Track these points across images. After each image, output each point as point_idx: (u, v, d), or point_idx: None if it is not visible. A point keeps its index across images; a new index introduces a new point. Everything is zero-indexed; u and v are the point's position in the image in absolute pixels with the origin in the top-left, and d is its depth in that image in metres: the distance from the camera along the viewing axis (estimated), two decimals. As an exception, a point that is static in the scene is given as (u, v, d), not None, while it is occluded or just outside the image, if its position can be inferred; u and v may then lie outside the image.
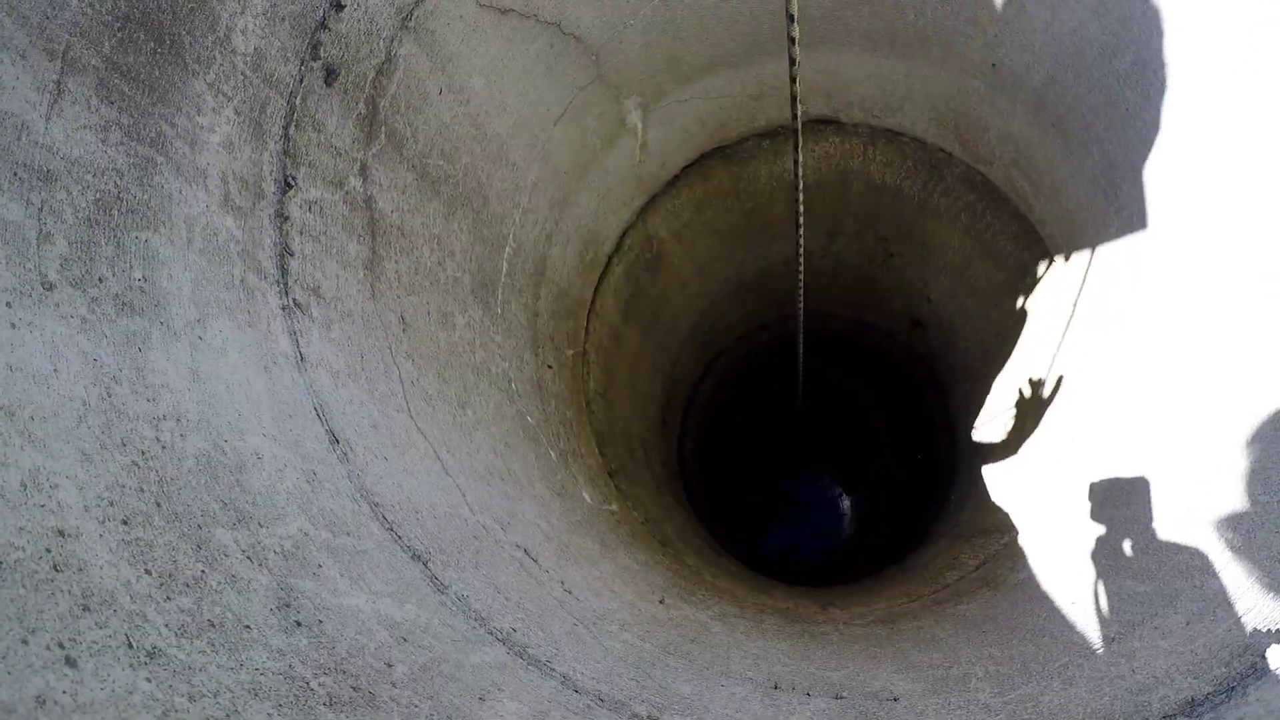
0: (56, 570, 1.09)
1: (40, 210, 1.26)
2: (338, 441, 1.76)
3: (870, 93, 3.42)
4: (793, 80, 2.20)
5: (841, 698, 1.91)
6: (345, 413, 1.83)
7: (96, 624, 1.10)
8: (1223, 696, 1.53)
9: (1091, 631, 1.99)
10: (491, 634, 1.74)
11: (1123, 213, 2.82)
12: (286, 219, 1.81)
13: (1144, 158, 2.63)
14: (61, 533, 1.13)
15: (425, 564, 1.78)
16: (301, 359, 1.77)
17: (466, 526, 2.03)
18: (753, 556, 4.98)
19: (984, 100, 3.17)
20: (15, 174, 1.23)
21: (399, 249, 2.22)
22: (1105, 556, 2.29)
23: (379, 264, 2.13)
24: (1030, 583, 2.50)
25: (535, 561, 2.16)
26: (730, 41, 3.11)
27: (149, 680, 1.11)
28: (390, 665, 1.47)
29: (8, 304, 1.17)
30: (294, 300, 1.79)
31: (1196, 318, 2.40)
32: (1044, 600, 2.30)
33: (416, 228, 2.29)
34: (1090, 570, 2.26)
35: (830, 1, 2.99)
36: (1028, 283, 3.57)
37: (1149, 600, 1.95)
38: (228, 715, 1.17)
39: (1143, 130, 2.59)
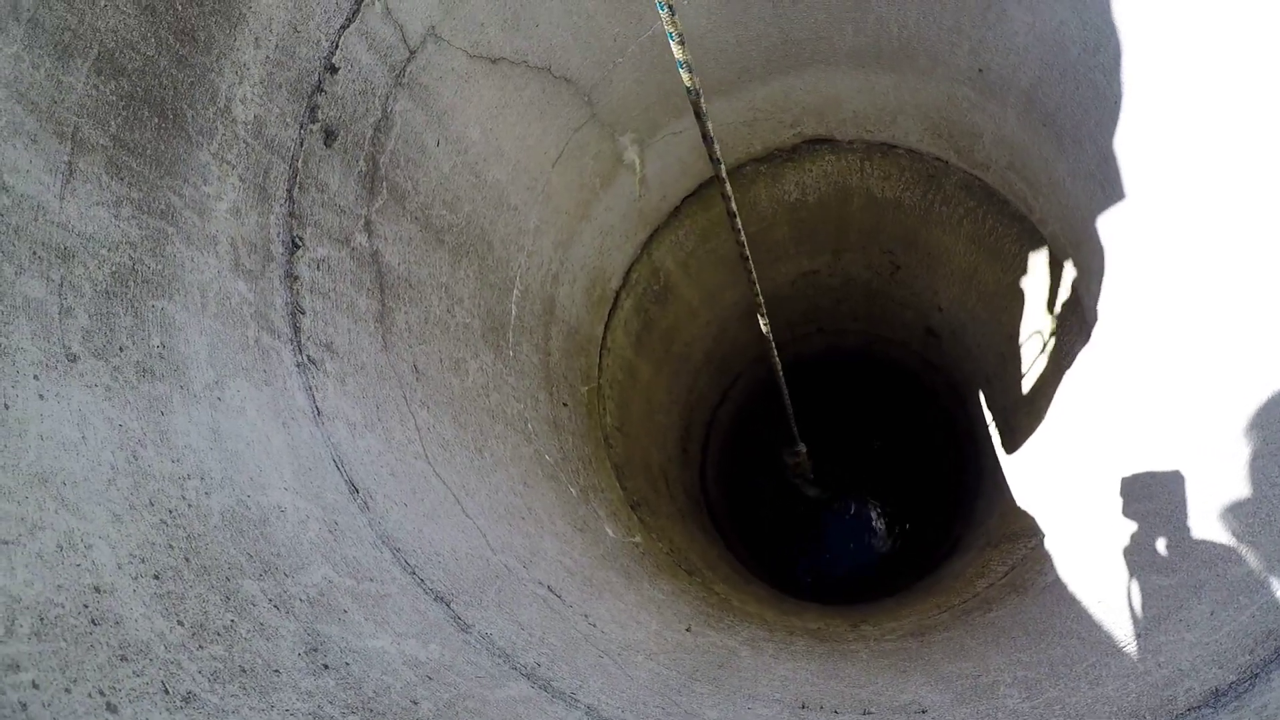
0: (94, 624, 1.15)
1: (60, 286, 1.34)
2: (357, 491, 1.82)
3: (862, 108, 3.47)
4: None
5: (870, 713, 1.91)
6: (364, 462, 1.89)
7: (134, 672, 1.15)
8: (1247, 684, 1.51)
9: (1118, 629, 1.97)
10: (516, 669, 1.77)
11: (1122, 203, 2.82)
12: (296, 278, 1.88)
13: (1137, 147, 2.64)
14: (97, 589, 1.18)
15: (448, 605, 1.81)
16: (318, 413, 1.83)
17: (488, 566, 2.06)
18: (782, 578, 4.96)
19: (974, 106, 3.21)
20: (34, 253, 1.30)
21: (408, 300, 2.28)
22: (1129, 552, 2.27)
23: (389, 316, 2.19)
24: (1057, 585, 2.48)
25: (559, 597, 2.19)
26: (720, 70, 3.18)
27: (183, 729, 1.16)
28: (415, 703, 1.50)
29: (35, 377, 1.24)
30: (308, 357, 1.85)
31: (1210, 302, 2.38)
32: (1071, 602, 2.28)
33: (424, 278, 2.36)
34: (1115, 567, 2.24)
35: (815, 23, 3.05)
36: (1035, 283, 3.58)
37: (1174, 593, 1.93)
38: (260, 760, 1.21)
39: (1133, 120, 2.61)
